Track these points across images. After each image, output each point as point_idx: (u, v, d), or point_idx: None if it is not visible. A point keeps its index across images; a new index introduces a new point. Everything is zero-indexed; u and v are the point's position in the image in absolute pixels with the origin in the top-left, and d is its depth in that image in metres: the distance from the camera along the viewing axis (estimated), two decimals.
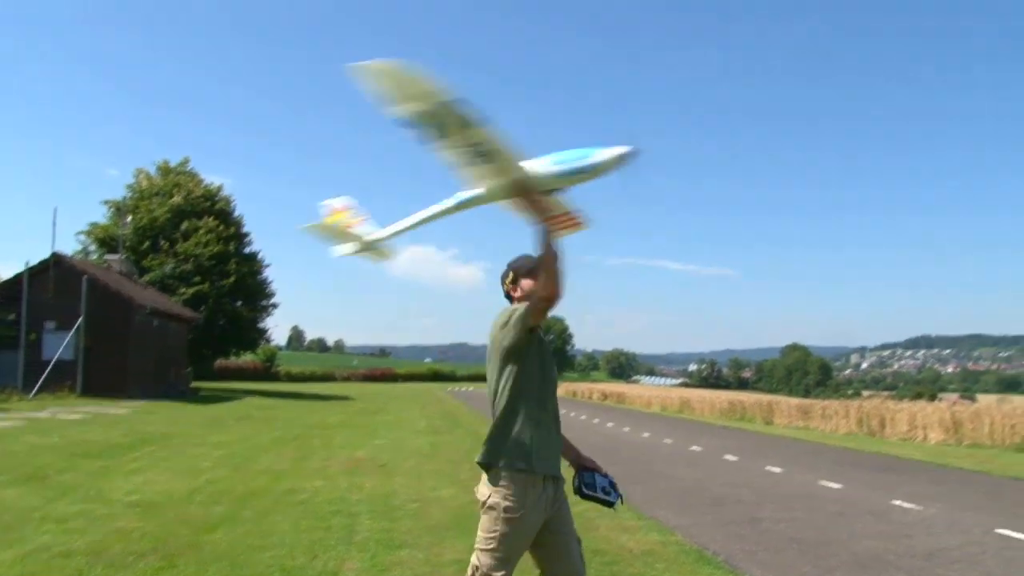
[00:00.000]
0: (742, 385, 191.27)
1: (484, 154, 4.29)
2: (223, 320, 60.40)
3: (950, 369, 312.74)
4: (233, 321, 61.59)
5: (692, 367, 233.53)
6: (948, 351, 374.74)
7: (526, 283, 4.33)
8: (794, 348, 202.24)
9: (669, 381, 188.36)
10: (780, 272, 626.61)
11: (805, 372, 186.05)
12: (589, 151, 4.75)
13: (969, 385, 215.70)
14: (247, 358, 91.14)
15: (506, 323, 4.10)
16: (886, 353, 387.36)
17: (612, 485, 4.40)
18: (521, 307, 4.09)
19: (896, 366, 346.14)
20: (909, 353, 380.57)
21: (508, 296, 4.47)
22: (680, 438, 28.44)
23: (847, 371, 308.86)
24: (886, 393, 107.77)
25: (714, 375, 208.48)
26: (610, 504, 4.38)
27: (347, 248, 6.38)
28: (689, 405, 51.96)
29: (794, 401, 45.92)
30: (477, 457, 4.17)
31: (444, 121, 4.00)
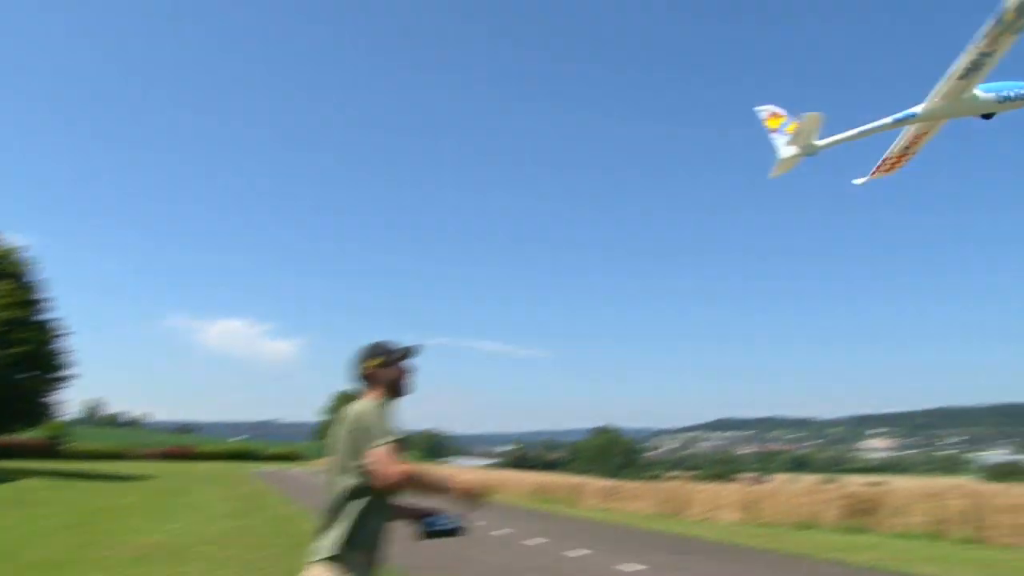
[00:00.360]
0: (552, 466, 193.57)
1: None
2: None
3: (748, 450, 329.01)
4: (14, 394, 56.63)
5: (504, 448, 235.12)
6: (747, 433, 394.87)
7: (384, 372, 4.39)
8: (603, 430, 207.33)
9: (481, 462, 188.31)
10: (591, 355, 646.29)
11: (613, 453, 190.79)
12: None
13: (765, 465, 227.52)
14: (31, 434, 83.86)
15: (368, 430, 4.05)
16: (690, 435, 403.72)
17: (452, 517, 4.51)
18: (386, 441, 4.00)
19: (699, 447, 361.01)
20: (711, 435, 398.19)
21: (364, 377, 4.44)
22: (489, 521, 28.30)
23: (653, 452, 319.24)
24: (689, 473, 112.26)
25: (525, 456, 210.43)
26: (455, 530, 4.51)
27: (790, 151, 9.72)
28: (500, 487, 52.01)
29: (599, 483, 46.82)
30: (324, 546, 4.02)
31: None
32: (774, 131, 11.48)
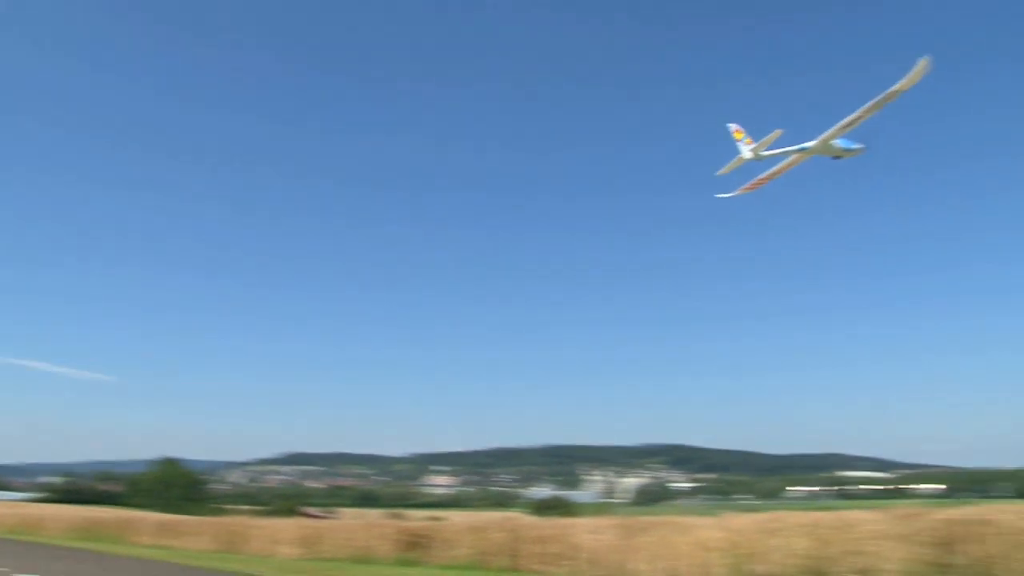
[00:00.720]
0: (109, 500, 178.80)
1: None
2: None
3: (319, 484, 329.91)
4: None
5: (44, 480, 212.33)
6: (318, 468, 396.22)
7: None
8: (167, 462, 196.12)
9: (20, 496, 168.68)
10: (160, 383, 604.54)
11: (176, 486, 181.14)
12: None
13: (334, 499, 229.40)
14: None
15: None
16: (260, 468, 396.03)
17: None
18: None
19: (271, 480, 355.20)
20: (284, 468, 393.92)
21: None
22: (18, 565, 25.35)
23: (222, 485, 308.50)
24: (257, 508, 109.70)
25: (75, 488, 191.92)
26: None
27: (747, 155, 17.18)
28: (39, 523, 47.02)
29: (154, 518, 44.34)
30: None
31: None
32: (739, 141, 17.02)
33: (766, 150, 17.93)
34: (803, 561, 17.75)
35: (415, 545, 25.81)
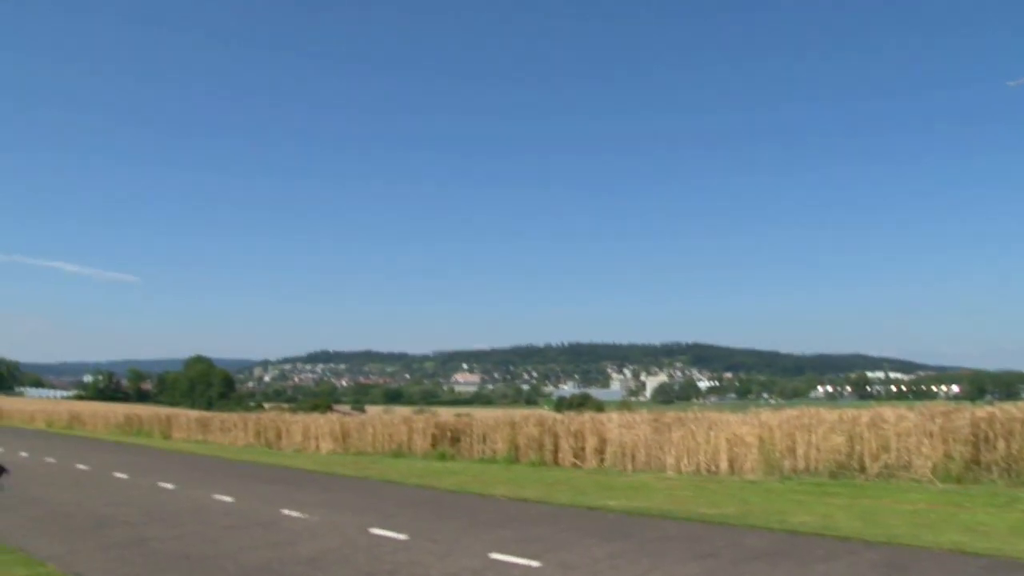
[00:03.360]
0: (142, 398, 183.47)
1: None
2: None
3: (345, 382, 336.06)
4: None
5: (87, 378, 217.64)
6: (343, 366, 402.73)
7: None
8: (198, 360, 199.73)
9: (60, 393, 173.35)
10: (186, 283, 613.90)
11: (208, 384, 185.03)
12: None
13: (360, 397, 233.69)
14: None
15: None
16: (288, 366, 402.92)
17: None
18: None
19: (297, 379, 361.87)
20: (309, 367, 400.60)
21: None
22: (65, 456, 26.24)
23: (250, 384, 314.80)
24: (287, 405, 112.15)
25: (111, 387, 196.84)
26: None
27: None
28: (80, 420, 48.38)
29: (193, 414, 45.37)
30: None
31: None
32: None
33: None
34: (837, 456, 17.96)
35: (450, 439, 26.33)
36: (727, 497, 15.36)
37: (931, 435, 17.06)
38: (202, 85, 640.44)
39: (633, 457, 21.75)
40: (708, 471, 20.07)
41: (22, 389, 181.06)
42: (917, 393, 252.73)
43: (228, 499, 15.25)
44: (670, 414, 22.81)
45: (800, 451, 18.86)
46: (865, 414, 18.59)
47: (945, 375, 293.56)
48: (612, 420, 22.97)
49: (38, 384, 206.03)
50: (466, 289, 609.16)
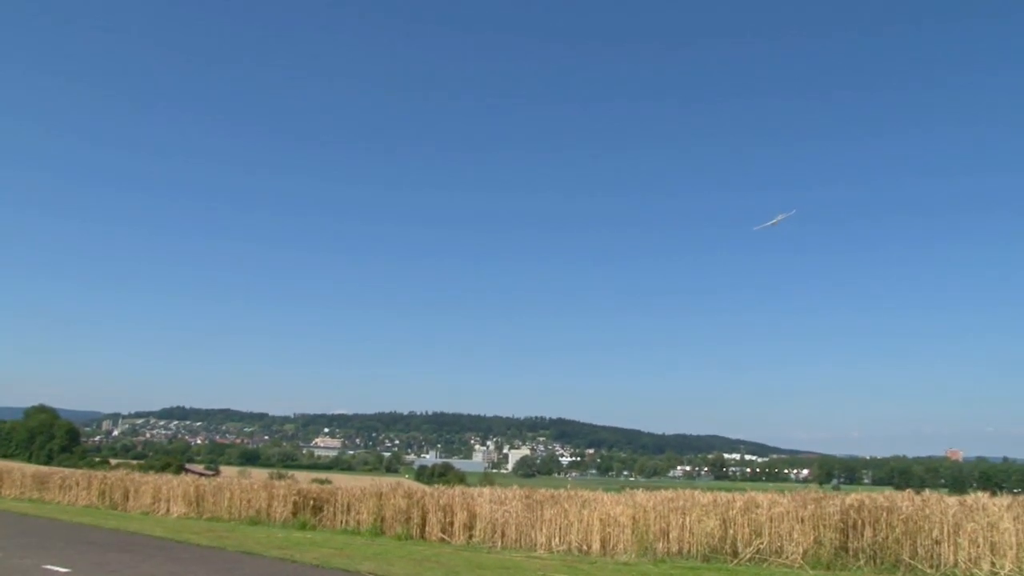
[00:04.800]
0: None
1: None
2: None
3: (200, 440, 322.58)
4: None
5: None
6: (199, 423, 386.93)
7: None
8: (40, 410, 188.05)
9: None
10: (29, 325, 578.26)
11: (50, 436, 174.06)
12: None
13: (216, 457, 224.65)
14: None
15: None
16: (140, 421, 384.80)
17: None
18: None
19: (149, 434, 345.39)
20: (163, 423, 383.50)
21: None
22: None
23: (97, 438, 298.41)
24: (135, 462, 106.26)
25: None
26: None
27: None
28: None
29: (29, 469, 42.18)
30: None
31: None
32: None
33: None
34: (710, 540, 17.84)
35: (312, 508, 25.10)
36: None
37: (802, 520, 17.21)
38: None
39: (503, 534, 21.16)
40: (580, 550, 19.66)
41: None
42: (770, 475, 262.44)
43: (62, 570, 13.80)
44: (542, 491, 22.40)
45: (674, 533, 18.71)
46: (739, 498, 18.64)
47: (796, 459, 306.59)
48: (483, 495, 22.37)
49: None
50: (330, 352, 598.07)
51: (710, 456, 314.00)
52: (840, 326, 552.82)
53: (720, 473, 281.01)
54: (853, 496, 18.04)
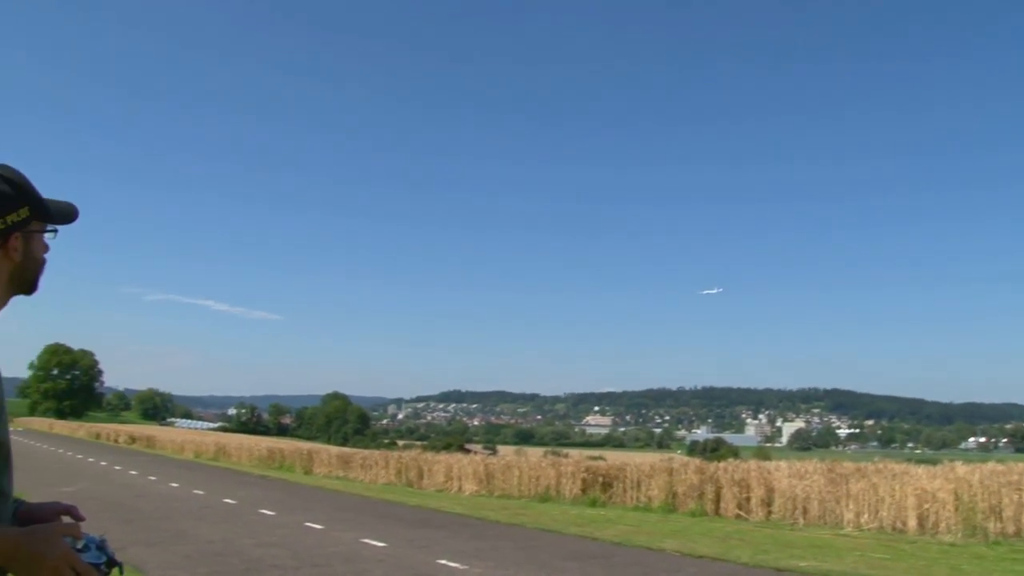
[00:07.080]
0: (282, 431, 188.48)
1: None
2: None
3: (476, 422, 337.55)
4: None
5: (231, 411, 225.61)
6: (475, 405, 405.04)
7: (17, 245, 1.90)
8: (335, 396, 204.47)
9: (207, 425, 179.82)
10: (324, 321, 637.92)
11: (344, 420, 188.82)
12: None
13: (492, 437, 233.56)
14: None
15: None
16: (420, 405, 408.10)
17: (100, 545, 2.70)
18: None
19: (429, 417, 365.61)
20: (442, 406, 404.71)
21: None
22: (213, 489, 26.12)
23: (384, 421, 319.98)
24: (419, 443, 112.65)
25: (253, 420, 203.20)
26: (97, 568, 2.69)
27: None
28: (226, 451, 49.13)
29: (334, 450, 45.35)
30: None
31: None
32: None
33: None
34: None
35: (602, 485, 24.90)
36: (931, 563, 13.46)
37: None
38: (360, 134, 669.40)
39: (805, 510, 19.86)
40: (894, 528, 18.02)
41: (173, 420, 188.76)
42: None
43: (379, 544, 14.30)
44: (846, 463, 20.93)
45: (1008, 512, 16.66)
46: None
47: None
48: (781, 468, 21.16)
49: (187, 416, 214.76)
50: (599, 331, 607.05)
51: (1008, 426, 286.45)
52: None
53: (1022, 445, 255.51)
54: None
